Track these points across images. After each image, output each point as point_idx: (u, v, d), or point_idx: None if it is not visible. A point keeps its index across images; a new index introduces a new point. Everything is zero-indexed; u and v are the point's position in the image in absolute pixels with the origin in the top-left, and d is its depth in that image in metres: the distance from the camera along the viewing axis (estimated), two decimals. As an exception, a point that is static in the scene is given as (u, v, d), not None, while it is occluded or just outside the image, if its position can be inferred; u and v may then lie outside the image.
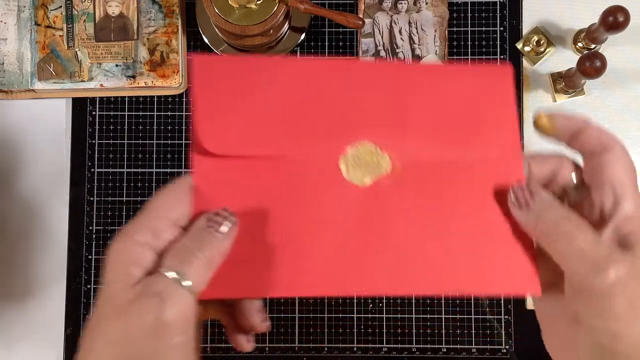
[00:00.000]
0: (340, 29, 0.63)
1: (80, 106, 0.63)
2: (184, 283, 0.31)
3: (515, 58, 0.62)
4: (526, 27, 0.62)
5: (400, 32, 0.62)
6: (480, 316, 0.60)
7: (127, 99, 0.63)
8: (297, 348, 0.60)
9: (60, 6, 0.62)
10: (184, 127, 0.63)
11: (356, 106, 0.37)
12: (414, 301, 0.60)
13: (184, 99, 0.63)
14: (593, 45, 0.60)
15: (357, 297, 0.60)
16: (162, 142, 0.62)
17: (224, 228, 0.34)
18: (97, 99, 0.63)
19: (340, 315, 0.60)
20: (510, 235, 0.36)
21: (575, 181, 0.36)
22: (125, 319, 0.31)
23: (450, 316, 0.60)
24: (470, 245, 0.37)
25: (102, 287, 0.32)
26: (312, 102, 0.37)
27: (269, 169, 0.36)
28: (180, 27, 0.62)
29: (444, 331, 0.60)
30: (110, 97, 0.63)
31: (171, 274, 0.31)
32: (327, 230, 0.36)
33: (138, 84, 0.62)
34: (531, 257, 0.36)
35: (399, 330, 0.60)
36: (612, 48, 0.61)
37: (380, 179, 0.37)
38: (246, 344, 0.38)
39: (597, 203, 0.34)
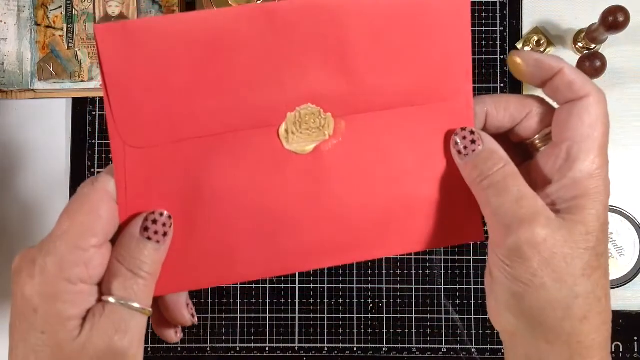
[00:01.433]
0: (340, 29, 0.63)
1: (80, 106, 0.63)
2: (133, 305, 0.30)
3: (515, 58, 0.62)
4: (526, 27, 0.62)
5: (400, 32, 0.62)
6: (481, 316, 0.60)
7: (127, 99, 0.63)
8: (297, 348, 0.60)
9: (60, 6, 0.62)
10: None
11: (290, 60, 0.32)
12: (414, 301, 0.60)
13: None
14: (593, 45, 0.60)
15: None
16: (162, 142, 0.62)
17: (160, 236, 0.31)
18: (97, 99, 0.63)
19: (340, 315, 0.60)
20: (456, 182, 0.34)
21: (540, 130, 0.34)
22: (81, 352, 0.29)
23: (450, 316, 0.60)
24: (417, 200, 0.35)
25: (34, 333, 0.29)
26: (239, 63, 0.31)
27: (201, 153, 0.32)
28: (180, 27, 0.62)
29: (443, 331, 0.60)
30: (110, 97, 0.63)
31: (118, 301, 0.30)
32: (270, 210, 0.33)
33: (138, 84, 0.62)
34: (475, 204, 0.34)
35: (399, 330, 0.60)
36: (612, 48, 0.61)
37: (322, 144, 0.34)
38: (174, 336, 0.37)
39: (552, 159, 0.32)
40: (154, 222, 0.31)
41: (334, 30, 0.32)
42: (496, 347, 0.60)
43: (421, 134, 0.34)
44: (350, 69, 0.32)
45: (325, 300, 0.60)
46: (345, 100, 0.33)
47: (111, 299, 0.30)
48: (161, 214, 0.31)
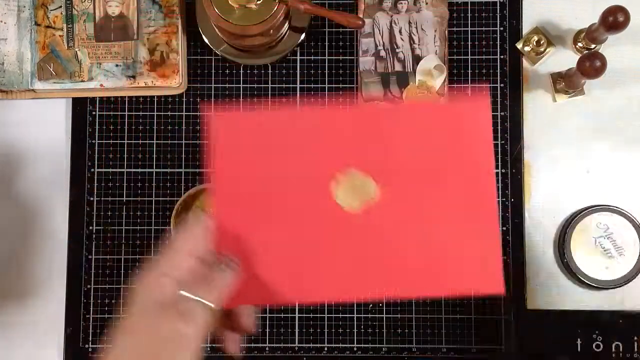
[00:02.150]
0: (340, 29, 0.63)
1: (80, 106, 0.63)
2: (203, 301, 0.39)
3: (515, 58, 0.62)
4: (526, 27, 0.62)
5: (400, 32, 0.62)
6: (480, 316, 0.60)
7: (127, 99, 0.63)
8: (297, 348, 0.60)
9: (60, 6, 0.62)
10: (183, 127, 0.63)
11: (346, 144, 0.44)
12: (414, 301, 0.60)
13: (184, 99, 0.63)
14: (593, 45, 0.60)
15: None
16: (162, 142, 0.62)
17: (228, 268, 0.42)
18: (97, 99, 0.63)
19: (340, 315, 0.60)
20: (482, 242, 0.42)
21: None
22: (153, 327, 0.39)
23: (450, 316, 0.60)
24: (446, 254, 0.43)
25: (132, 305, 0.40)
26: (308, 143, 0.44)
27: (271, 203, 0.44)
28: (180, 27, 0.62)
29: (443, 331, 0.60)
30: (110, 97, 0.63)
31: (191, 296, 0.39)
32: (324, 247, 0.43)
33: (138, 84, 0.62)
34: (498, 260, 0.42)
35: (399, 330, 0.60)
36: (612, 48, 0.61)
37: (368, 203, 0.43)
38: (234, 345, 0.45)
39: None
40: (227, 258, 0.42)
41: (380, 128, 0.44)
42: (496, 347, 0.60)
43: (450, 203, 0.43)
44: (391, 157, 0.44)
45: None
46: (386, 172, 0.43)
47: (186, 292, 0.39)
48: (231, 258, 0.42)
